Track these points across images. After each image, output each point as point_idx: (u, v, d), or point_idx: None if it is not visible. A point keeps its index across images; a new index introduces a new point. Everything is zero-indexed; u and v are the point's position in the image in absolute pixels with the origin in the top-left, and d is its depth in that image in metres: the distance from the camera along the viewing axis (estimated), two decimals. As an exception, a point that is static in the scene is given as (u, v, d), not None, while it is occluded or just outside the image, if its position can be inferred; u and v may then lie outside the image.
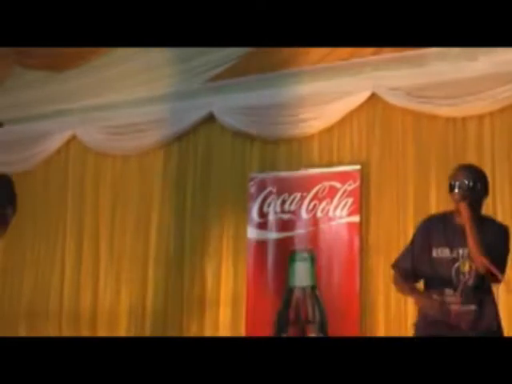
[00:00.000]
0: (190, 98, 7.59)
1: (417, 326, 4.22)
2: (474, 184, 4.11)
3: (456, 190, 4.11)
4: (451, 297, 4.08)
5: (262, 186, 7.20)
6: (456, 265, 4.09)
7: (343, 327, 6.52)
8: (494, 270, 3.95)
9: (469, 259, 4.05)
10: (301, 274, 6.87)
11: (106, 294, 7.85)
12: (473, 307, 4.07)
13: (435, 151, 6.52)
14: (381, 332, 6.45)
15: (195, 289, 7.37)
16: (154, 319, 7.52)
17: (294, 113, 7.11)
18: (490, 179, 5.92)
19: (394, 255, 4.46)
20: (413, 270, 4.19)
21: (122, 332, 7.61)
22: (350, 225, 6.75)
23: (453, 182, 4.14)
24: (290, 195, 7.06)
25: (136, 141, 7.90)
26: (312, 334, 6.65)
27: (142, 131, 7.86)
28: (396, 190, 6.62)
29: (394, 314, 6.40)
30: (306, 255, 6.87)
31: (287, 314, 6.81)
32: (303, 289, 6.83)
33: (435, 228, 4.21)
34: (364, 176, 6.77)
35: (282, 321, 6.81)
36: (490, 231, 4.10)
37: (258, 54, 7.03)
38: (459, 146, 6.41)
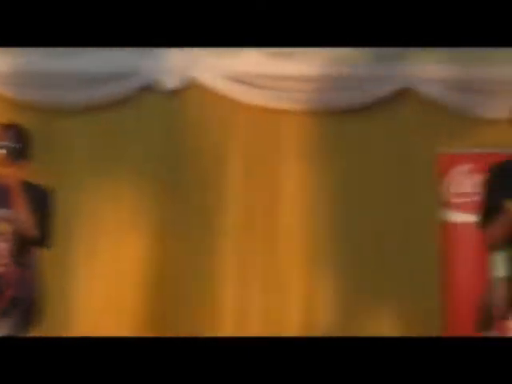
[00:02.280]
0: None
1: None
2: (18, 143, 3.98)
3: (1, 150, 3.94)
4: None
5: None
6: None
7: None
8: (36, 232, 3.94)
9: (8, 221, 3.92)
10: None
11: None
12: (16, 271, 3.94)
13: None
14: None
15: None
16: None
17: None
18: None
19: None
20: None
21: None
22: None
23: None
24: None
25: None
26: None
27: None
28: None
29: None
30: None
31: None
32: None
33: None
34: None
35: None
36: (34, 194, 3.98)
37: None
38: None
